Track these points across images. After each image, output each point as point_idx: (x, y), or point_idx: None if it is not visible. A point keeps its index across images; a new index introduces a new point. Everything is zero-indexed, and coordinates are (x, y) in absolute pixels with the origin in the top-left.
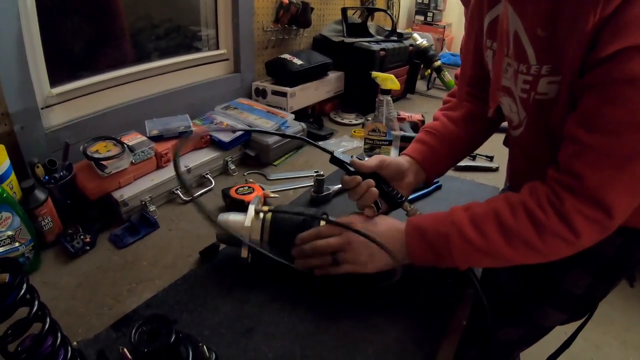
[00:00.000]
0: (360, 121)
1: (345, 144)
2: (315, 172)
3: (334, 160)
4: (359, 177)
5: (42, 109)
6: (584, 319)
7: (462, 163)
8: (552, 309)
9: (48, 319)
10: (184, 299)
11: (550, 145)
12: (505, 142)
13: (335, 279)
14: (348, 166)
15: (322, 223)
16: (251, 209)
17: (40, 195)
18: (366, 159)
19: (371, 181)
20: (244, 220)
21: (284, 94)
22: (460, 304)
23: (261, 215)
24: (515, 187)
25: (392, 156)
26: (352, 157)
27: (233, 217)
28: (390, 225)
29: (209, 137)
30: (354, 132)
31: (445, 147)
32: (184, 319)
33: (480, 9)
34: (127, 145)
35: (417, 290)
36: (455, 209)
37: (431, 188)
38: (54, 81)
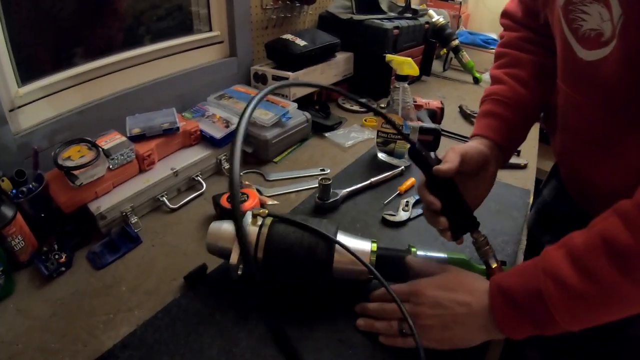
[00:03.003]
0: None
1: (355, 135)
2: (321, 170)
3: (414, 154)
4: None
5: (9, 111)
6: None
7: None
8: None
9: None
10: (164, 337)
11: None
12: (547, 121)
13: None
14: (427, 164)
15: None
16: (249, 215)
17: (8, 212)
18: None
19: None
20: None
21: (285, 80)
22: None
23: (259, 221)
24: (567, 168)
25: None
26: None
27: (226, 227)
28: (471, 288)
29: (198, 132)
30: (365, 120)
31: (520, 117)
32: None
33: None
34: (102, 150)
35: None
36: (548, 250)
37: None
38: (25, 78)
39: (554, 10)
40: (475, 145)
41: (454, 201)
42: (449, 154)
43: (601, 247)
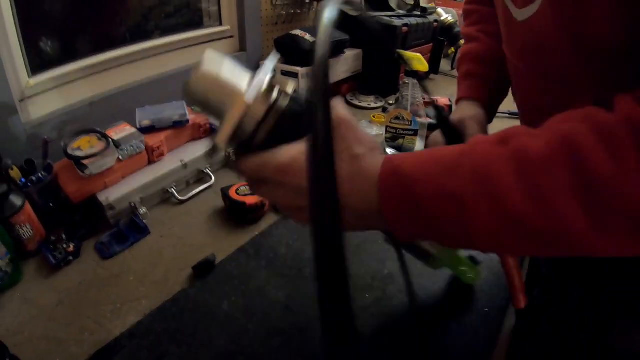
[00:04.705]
0: (380, 104)
1: None
2: None
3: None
4: None
5: (20, 101)
6: None
7: None
8: None
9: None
10: (172, 327)
11: (582, 42)
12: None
13: None
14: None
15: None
16: (267, 68)
17: (17, 201)
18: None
19: None
20: (243, 87)
21: (294, 75)
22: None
23: (275, 94)
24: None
25: (418, 147)
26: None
27: (229, 72)
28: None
29: (208, 126)
30: (373, 117)
31: (499, 72)
32: (172, 352)
33: None
34: (112, 140)
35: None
36: (483, 142)
37: None
38: (36, 68)
39: None
40: (480, 113)
41: None
42: (472, 130)
43: (567, 168)
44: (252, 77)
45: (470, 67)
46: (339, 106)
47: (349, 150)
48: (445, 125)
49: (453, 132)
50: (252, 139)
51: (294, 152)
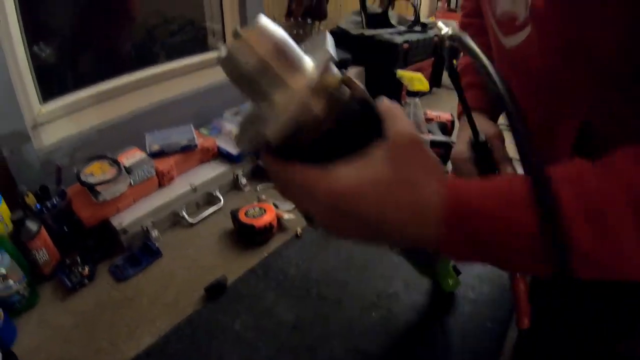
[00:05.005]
0: None
1: None
2: None
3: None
4: None
5: (32, 128)
6: None
7: None
8: None
9: None
10: (186, 348)
11: (586, 64)
12: None
13: None
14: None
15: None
16: (329, 50)
17: (33, 226)
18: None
19: None
20: (307, 67)
21: None
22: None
23: (340, 85)
24: None
25: None
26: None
27: (289, 45)
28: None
29: (216, 150)
30: None
31: None
32: None
33: None
34: (124, 167)
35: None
36: (553, 183)
37: None
38: (47, 96)
39: None
40: (497, 128)
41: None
42: (500, 151)
43: (633, 214)
44: (313, 59)
45: (472, 78)
46: (403, 120)
47: (410, 177)
48: (483, 148)
49: (487, 154)
50: (302, 135)
51: (357, 177)
